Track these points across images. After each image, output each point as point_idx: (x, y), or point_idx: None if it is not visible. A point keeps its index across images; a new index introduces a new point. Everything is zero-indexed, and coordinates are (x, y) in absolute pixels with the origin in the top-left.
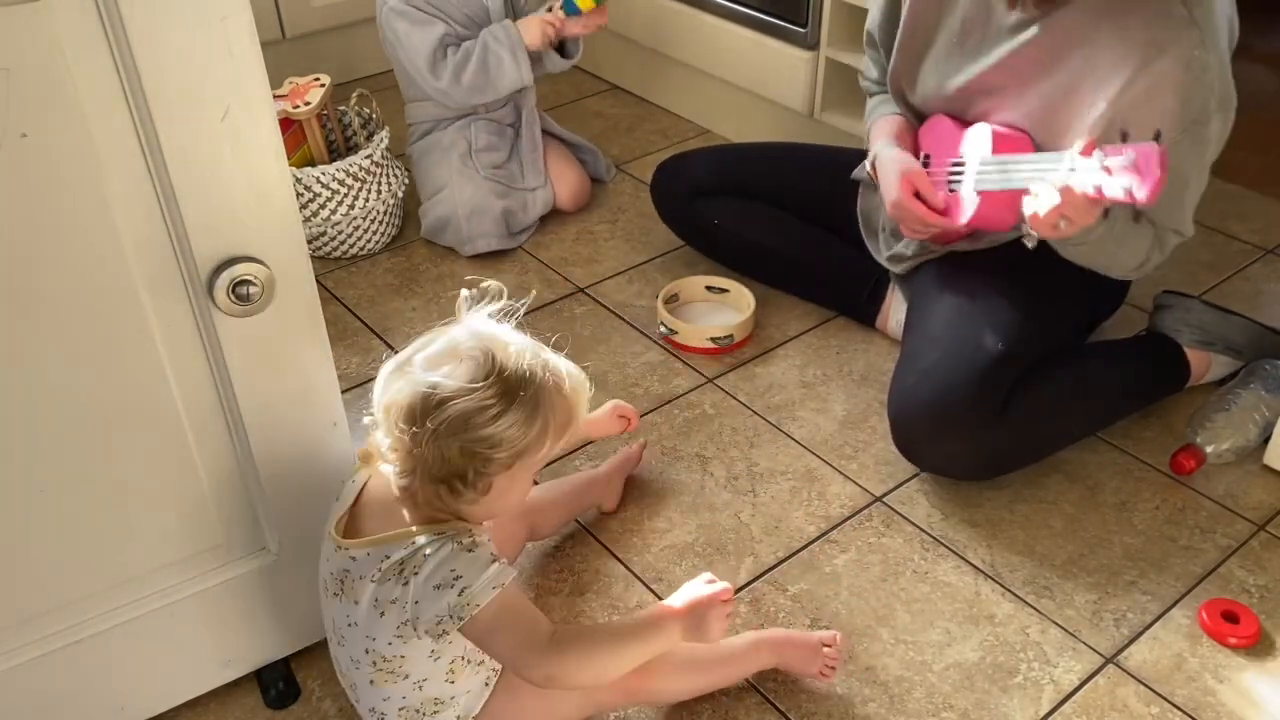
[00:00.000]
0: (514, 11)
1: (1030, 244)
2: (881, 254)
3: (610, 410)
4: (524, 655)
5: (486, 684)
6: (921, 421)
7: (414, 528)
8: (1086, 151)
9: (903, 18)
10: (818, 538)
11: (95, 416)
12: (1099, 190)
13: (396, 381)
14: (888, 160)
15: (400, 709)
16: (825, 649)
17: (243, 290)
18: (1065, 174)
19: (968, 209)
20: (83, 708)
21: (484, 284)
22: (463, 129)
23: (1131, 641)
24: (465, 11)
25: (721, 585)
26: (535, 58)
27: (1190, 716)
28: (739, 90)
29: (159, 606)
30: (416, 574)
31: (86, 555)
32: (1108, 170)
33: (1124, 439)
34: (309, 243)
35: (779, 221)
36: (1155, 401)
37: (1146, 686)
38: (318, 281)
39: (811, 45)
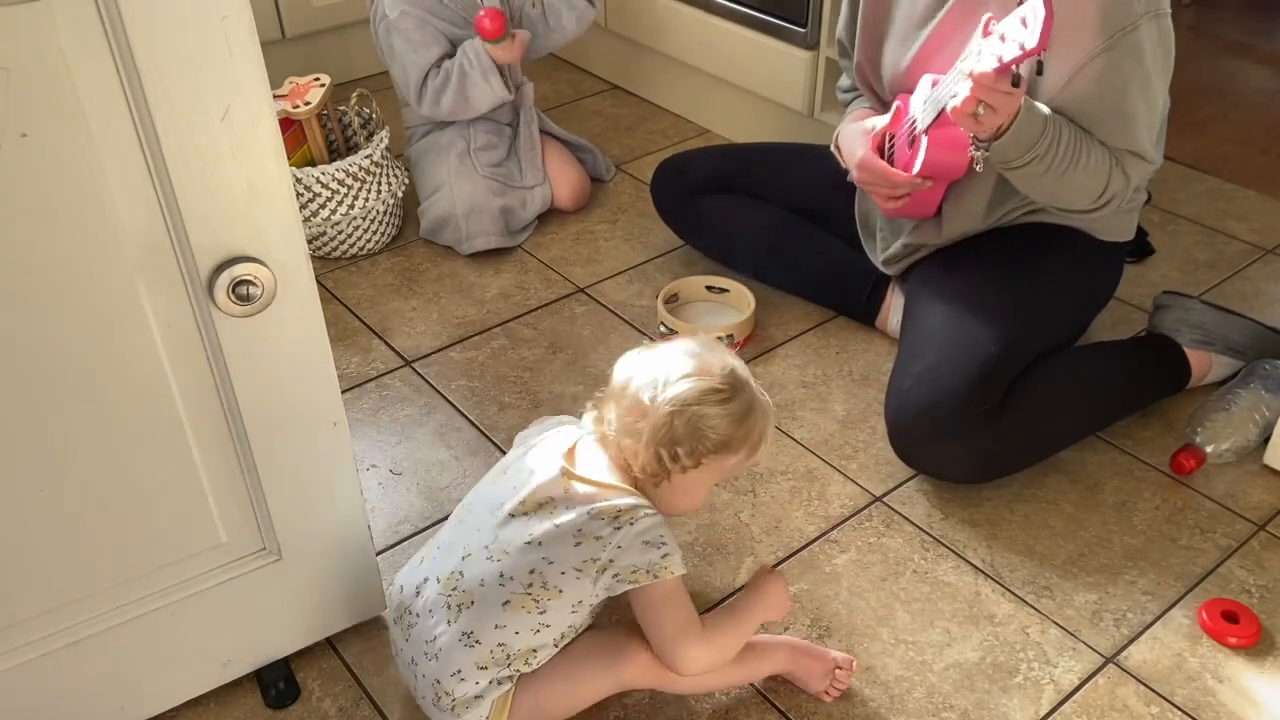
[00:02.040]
0: (510, 13)
1: (978, 167)
2: (877, 256)
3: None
4: (683, 635)
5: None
6: (918, 426)
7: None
8: (985, 32)
9: (859, 13)
10: (818, 538)
11: (95, 416)
12: (1000, 60)
13: (644, 362)
14: (849, 131)
15: (500, 644)
16: (838, 670)
17: (243, 290)
18: (973, 60)
19: (919, 155)
20: (82, 708)
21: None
22: (461, 128)
23: (1131, 641)
24: (463, 15)
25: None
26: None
27: (1190, 716)
28: (739, 90)
29: (159, 606)
30: (631, 524)
31: (86, 555)
32: (1002, 38)
33: (1124, 439)
34: (309, 243)
35: (779, 221)
36: (1155, 402)
37: (1146, 686)
38: (318, 281)
39: (811, 45)
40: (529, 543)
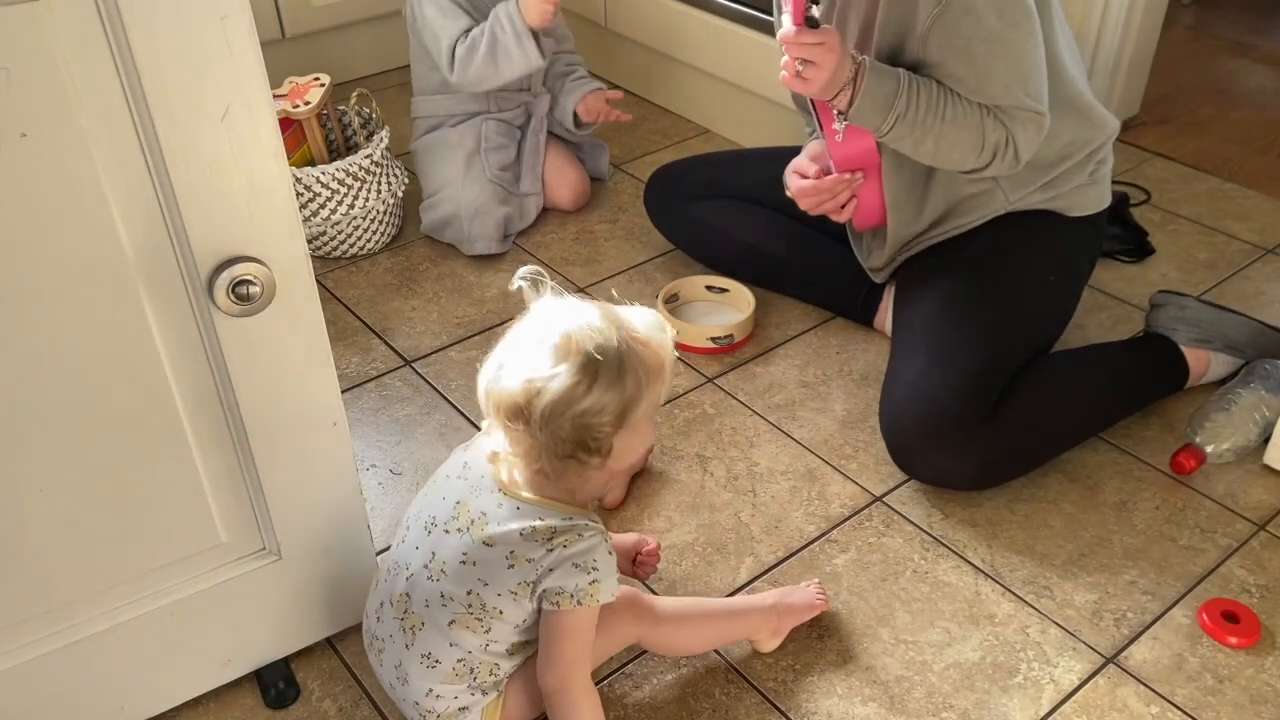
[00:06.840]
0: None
1: (839, 138)
2: (867, 263)
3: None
4: (573, 668)
5: (508, 674)
6: (913, 435)
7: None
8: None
9: None
10: (818, 538)
11: (94, 416)
12: (791, 12)
13: (496, 384)
14: (787, 180)
15: (460, 660)
16: (816, 595)
17: (243, 290)
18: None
19: (834, 155)
20: (82, 708)
21: (529, 271)
22: (474, 125)
23: (1131, 641)
24: None
25: None
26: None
27: (1190, 716)
28: (740, 90)
29: (159, 606)
30: (565, 547)
31: (85, 555)
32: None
33: (1124, 439)
34: (309, 243)
35: (774, 225)
36: (1154, 402)
37: (1146, 686)
38: (318, 281)
39: None
40: (463, 562)
